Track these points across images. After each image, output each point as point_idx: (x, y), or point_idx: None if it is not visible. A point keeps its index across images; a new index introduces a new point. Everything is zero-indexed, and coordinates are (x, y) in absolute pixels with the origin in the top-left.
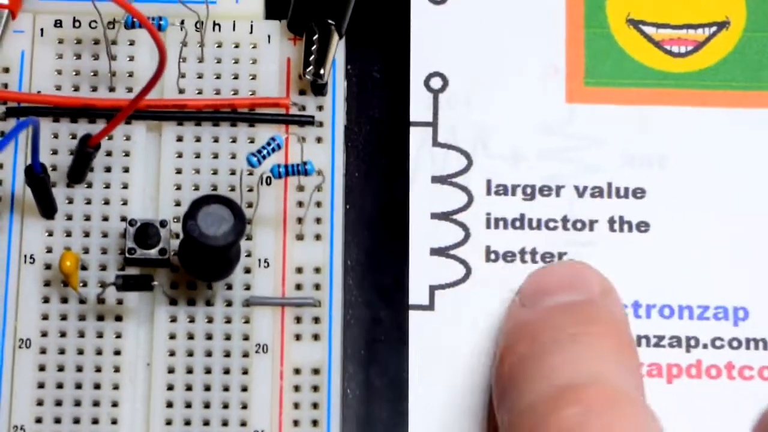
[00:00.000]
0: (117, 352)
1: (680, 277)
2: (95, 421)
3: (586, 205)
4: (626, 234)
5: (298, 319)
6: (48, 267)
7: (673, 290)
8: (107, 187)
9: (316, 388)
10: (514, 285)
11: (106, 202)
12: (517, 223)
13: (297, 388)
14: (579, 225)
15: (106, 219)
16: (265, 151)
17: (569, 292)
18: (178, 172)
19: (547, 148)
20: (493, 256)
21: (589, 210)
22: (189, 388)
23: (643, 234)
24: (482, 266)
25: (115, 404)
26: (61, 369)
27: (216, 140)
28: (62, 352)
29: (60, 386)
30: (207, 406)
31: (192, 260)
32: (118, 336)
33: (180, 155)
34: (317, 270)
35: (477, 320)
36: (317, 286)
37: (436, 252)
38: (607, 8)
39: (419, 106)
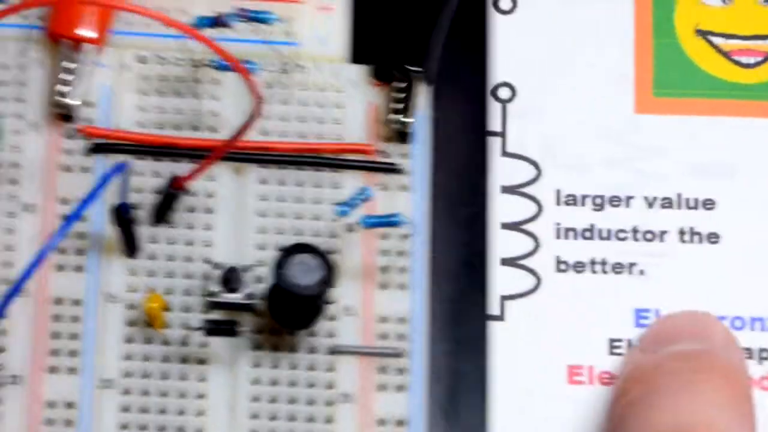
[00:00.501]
0: (200, 396)
1: (751, 289)
2: None
3: (656, 216)
4: (696, 245)
5: (383, 369)
6: (131, 307)
7: (744, 302)
8: (190, 228)
9: None
10: (584, 295)
11: (189, 243)
12: (587, 234)
13: None
14: (649, 236)
15: (189, 260)
16: (354, 202)
17: (690, 340)
18: (262, 215)
19: (616, 159)
20: (563, 267)
21: (660, 221)
22: None
23: (713, 245)
24: (552, 276)
25: None
26: (144, 411)
27: (300, 185)
28: (145, 393)
29: (143, 428)
30: None
31: (281, 308)
32: (202, 380)
33: (264, 198)
34: (401, 320)
35: (547, 331)
36: (401, 336)
37: (506, 262)
38: (675, 19)
39: (488, 115)
